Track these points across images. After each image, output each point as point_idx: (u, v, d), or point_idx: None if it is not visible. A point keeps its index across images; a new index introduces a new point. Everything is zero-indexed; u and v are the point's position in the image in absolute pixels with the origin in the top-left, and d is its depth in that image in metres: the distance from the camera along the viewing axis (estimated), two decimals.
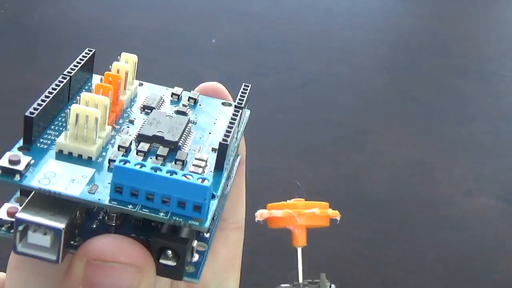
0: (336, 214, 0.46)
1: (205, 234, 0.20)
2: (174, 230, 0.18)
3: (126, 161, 0.17)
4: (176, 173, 0.17)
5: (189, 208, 0.17)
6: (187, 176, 0.17)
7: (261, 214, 0.43)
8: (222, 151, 0.19)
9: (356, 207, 0.83)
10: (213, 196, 0.18)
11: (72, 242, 0.18)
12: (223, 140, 0.19)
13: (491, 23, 1.27)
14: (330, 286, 0.45)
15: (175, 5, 1.16)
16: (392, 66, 1.10)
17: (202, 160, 0.20)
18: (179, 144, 0.20)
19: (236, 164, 0.24)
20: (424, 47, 1.15)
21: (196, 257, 0.19)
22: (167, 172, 0.17)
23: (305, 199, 0.44)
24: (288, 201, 0.44)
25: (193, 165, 0.19)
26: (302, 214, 0.43)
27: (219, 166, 0.20)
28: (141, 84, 0.24)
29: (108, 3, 1.14)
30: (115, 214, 0.19)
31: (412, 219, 0.82)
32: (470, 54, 1.15)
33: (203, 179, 0.17)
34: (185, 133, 0.21)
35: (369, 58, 1.10)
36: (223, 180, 0.19)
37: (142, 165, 0.17)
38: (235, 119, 0.21)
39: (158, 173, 0.17)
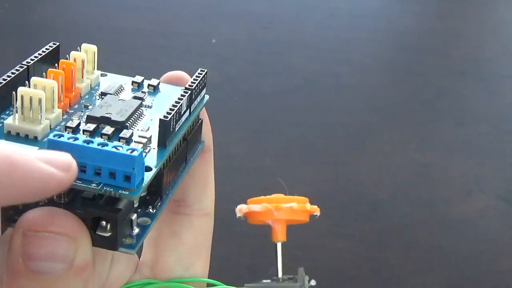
0: (314, 209, 0.45)
1: (150, 210, 0.20)
2: (110, 202, 0.19)
3: (60, 135, 0.18)
4: (107, 145, 0.18)
5: (119, 178, 0.18)
6: (117, 147, 0.18)
7: (240, 209, 0.43)
8: (162, 127, 0.20)
9: (356, 208, 0.83)
10: (148, 169, 0.19)
11: (16, 217, 0.19)
12: (164, 116, 0.20)
13: (491, 23, 1.27)
14: (309, 281, 0.44)
15: (174, 5, 1.16)
16: (392, 66, 1.10)
17: (144, 137, 0.20)
18: (127, 124, 0.20)
19: (198, 150, 0.24)
20: (424, 47, 1.15)
21: (136, 230, 0.20)
22: (98, 144, 0.18)
23: (285, 195, 0.44)
24: (267, 196, 0.44)
25: (135, 141, 0.20)
26: (280, 209, 0.43)
27: (161, 143, 0.20)
28: (104, 75, 0.25)
29: (108, 4, 1.14)
30: (63, 192, 0.19)
31: (412, 219, 0.82)
32: (470, 55, 1.15)
33: (133, 150, 0.18)
34: (135, 115, 0.21)
35: (369, 59, 1.10)
36: (165, 157, 0.20)
37: (76, 139, 0.18)
38: (181, 99, 0.22)
39: (90, 145, 0.18)
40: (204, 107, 0.25)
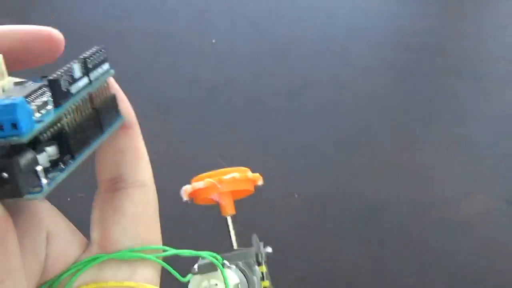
0: (257, 177, 0.46)
1: (61, 165, 0.22)
2: (7, 153, 0.20)
3: None
4: None
5: (7, 127, 0.20)
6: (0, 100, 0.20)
7: (185, 191, 0.43)
8: (52, 86, 0.22)
9: (356, 208, 0.83)
10: (40, 121, 0.21)
11: None
12: (52, 77, 0.22)
13: (490, 23, 1.27)
14: (265, 247, 0.44)
15: (174, 6, 1.16)
16: (392, 67, 1.10)
17: (41, 101, 0.22)
18: (23, 96, 0.22)
19: (116, 123, 0.26)
20: (424, 48, 1.15)
21: (44, 180, 0.21)
22: None
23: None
24: (207, 172, 0.44)
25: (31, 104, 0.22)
26: (222, 181, 0.43)
27: (55, 102, 0.22)
28: (20, 83, 0.26)
29: (108, 4, 1.14)
30: None
31: (412, 220, 0.82)
32: (470, 55, 1.15)
33: (14, 99, 0.20)
34: (34, 93, 0.23)
35: (369, 60, 1.10)
36: (59, 113, 0.22)
37: None
38: (72, 64, 0.24)
39: None
40: (120, 90, 0.27)
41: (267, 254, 0.45)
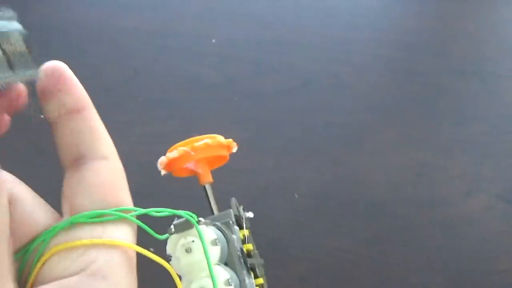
0: (230, 143, 0.46)
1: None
2: None
3: None
4: None
5: None
6: None
7: (161, 163, 0.43)
8: None
9: (356, 208, 0.83)
10: None
11: None
12: None
13: (490, 23, 1.27)
14: (245, 211, 0.44)
15: (175, 5, 1.16)
16: (392, 66, 1.10)
17: None
18: None
19: (29, 73, 0.30)
20: (424, 47, 1.15)
21: None
22: None
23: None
24: (181, 142, 0.44)
25: None
26: (195, 148, 0.43)
27: None
28: None
29: (108, 3, 1.14)
30: None
31: (412, 219, 0.82)
32: (470, 54, 1.15)
33: None
34: None
35: (369, 58, 1.10)
36: None
37: None
38: None
39: None
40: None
41: (248, 218, 0.45)
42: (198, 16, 1.14)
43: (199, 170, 0.44)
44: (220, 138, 0.45)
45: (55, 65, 0.30)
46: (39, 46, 1.05)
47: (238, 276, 0.36)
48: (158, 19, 1.12)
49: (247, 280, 0.36)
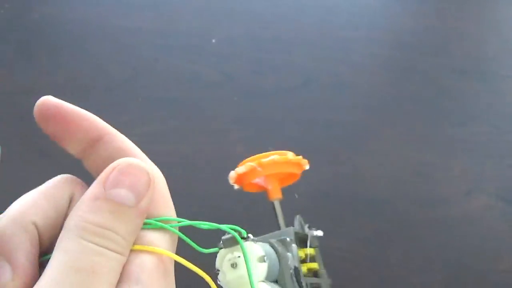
0: (299, 160, 0.46)
1: None
2: None
3: None
4: None
5: None
6: None
7: (230, 177, 0.43)
8: None
9: (356, 207, 0.83)
10: None
11: None
12: None
13: (491, 23, 1.27)
14: (311, 228, 0.44)
15: (175, 5, 1.16)
16: (392, 65, 1.10)
17: None
18: None
19: None
20: (424, 46, 1.15)
21: None
22: None
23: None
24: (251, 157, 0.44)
25: None
26: (262, 163, 0.43)
27: None
28: None
29: (108, 3, 1.14)
30: None
31: (412, 219, 0.82)
32: (470, 54, 1.15)
33: None
34: None
35: (369, 58, 1.10)
36: None
37: None
38: None
39: None
40: None
41: (316, 236, 0.45)
42: (198, 16, 1.14)
43: (268, 186, 0.44)
44: (289, 155, 0.45)
45: (42, 109, 0.29)
46: (40, 46, 1.05)
47: None
48: (159, 18, 1.12)
49: None
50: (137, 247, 0.27)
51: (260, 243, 0.35)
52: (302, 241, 0.43)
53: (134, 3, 1.15)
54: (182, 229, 0.29)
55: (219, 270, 0.33)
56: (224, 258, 0.34)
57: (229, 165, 0.89)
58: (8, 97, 0.89)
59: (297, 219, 0.44)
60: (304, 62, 1.07)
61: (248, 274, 0.31)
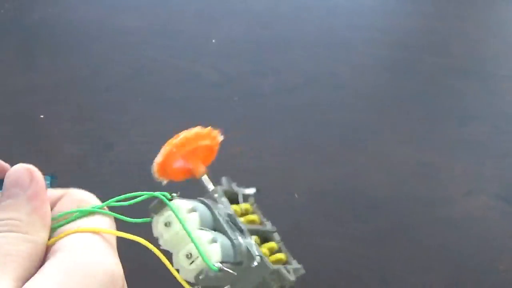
0: (210, 131, 0.46)
1: None
2: None
3: None
4: None
5: None
6: None
7: (154, 172, 0.43)
8: None
9: (356, 207, 0.83)
10: None
11: None
12: None
13: (491, 23, 1.27)
14: (240, 186, 0.45)
15: (175, 5, 1.16)
16: (392, 66, 1.10)
17: None
18: None
19: None
20: (424, 47, 1.15)
21: None
22: None
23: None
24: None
25: None
26: (175, 144, 0.43)
27: None
28: None
29: (108, 3, 1.14)
30: None
31: (412, 219, 0.82)
32: (470, 54, 1.15)
33: None
34: None
35: (369, 58, 1.10)
36: None
37: None
38: None
39: None
40: None
41: (248, 194, 0.45)
42: (198, 16, 1.14)
43: (190, 165, 0.43)
44: (198, 129, 0.44)
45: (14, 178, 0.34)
46: (40, 47, 1.05)
47: (228, 236, 0.36)
48: (159, 19, 1.12)
49: (241, 240, 0.36)
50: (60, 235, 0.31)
51: (187, 200, 0.36)
52: (234, 200, 0.44)
53: (134, 3, 1.15)
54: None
55: (158, 238, 0.34)
56: (158, 223, 0.34)
57: (229, 165, 0.89)
58: (8, 97, 0.89)
59: (224, 179, 0.45)
60: (304, 63, 1.07)
61: (181, 223, 0.33)
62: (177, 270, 0.34)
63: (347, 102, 1.00)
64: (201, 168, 0.44)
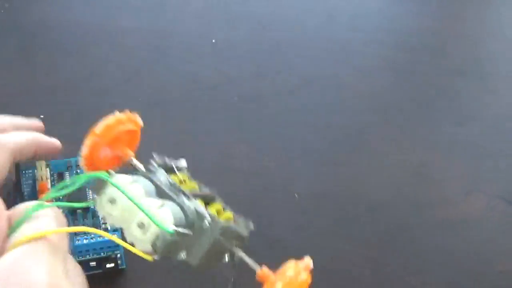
0: (129, 115, 0.46)
1: None
2: None
3: None
4: None
5: None
6: None
7: (81, 166, 0.43)
8: None
9: (356, 208, 0.83)
10: None
11: None
12: None
13: (491, 23, 1.27)
14: (172, 159, 0.45)
15: (174, 5, 1.16)
16: (392, 66, 1.10)
17: None
18: None
19: None
20: (424, 47, 1.15)
21: None
22: None
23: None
24: None
25: None
26: (97, 133, 0.43)
27: None
28: None
29: (108, 3, 1.14)
30: None
31: (412, 219, 0.82)
32: (470, 54, 1.15)
33: None
34: None
35: (370, 60, 1.10)
36: None
37: None
38: None
39: None
40: None
41: (180, 166, 0.45)
42: (198, 16, 1.14)
43: (118, 152, 0.43)
44: (117, 114, 0.45)
45: None
46: (39, 47, 1.05)
47: (174, 201, 0.36)
48: (158, 19, 1.12)
49: (187, 203, 0.36)
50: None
51: (126, 174, 0.36)
52: (169, 172, 0.44)
53: (134, 3, 1.15)
54: None
55: (105, 218, 0.34)
56: (102, 202, 0.34)
57: (229, 166, 0.89)
58: (8, 97, 0.89)
59: (156, 154, 0.45)
60: (304, 64, 1.07)
61: (127, 196, 0.32)
62: (133, 245, 0.33)
63: (348, 103, 1.00)
64: (129, 152, 0.44)
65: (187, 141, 0.89)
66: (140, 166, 0.42)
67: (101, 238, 0.56)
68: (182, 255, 0.35)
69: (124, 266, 0.64)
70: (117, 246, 0.62)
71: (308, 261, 0.42)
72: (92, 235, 0.57)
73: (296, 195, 0.83)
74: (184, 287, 0.69)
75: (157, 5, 1.16)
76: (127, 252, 0.69)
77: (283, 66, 1.05)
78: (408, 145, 0.94)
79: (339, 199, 0.84)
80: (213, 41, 1.08)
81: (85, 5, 1.13)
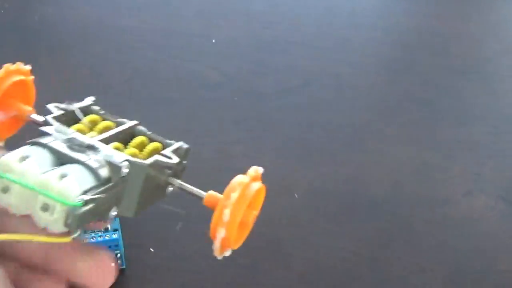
0: (17, 66, 0.42)
1: None
2: None
3: None
4: None
5: None
6: None
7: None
8: None
9: (356, 207, 0.83)
10: None
11: None
12: None
13: (491, 23, 1.27)
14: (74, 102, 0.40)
15: (175, 5, 1.16)
16: (392, 66, 1.10)
17: None
18: None
19: None
20: (424, 47, 1.15)
21: None
22: None
23: None
24: None
25: None
26: None
27: None
28: None
29: (108, 3, 1.14)
30: None
31: (412, 219, 0.82)
32: (470, 54, 1.15)
33: None
34: None
35: (369, 58, 1.10)
36: None
37: None
38: None
39: None
40: None
41: (79, 107, 0.40)
42: (198, 16, 1.14)
43: (13, 112, 0.40)
44: (4, 66, 0.41)
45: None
46: (40, 47, 1.05)
47: (78, 162, 0.31)
48: (158, 18, 1.12)
49: (95, 157, 0.32)
50: None
51: (13, 151, 0.30)
52: (77, 120, 0.39)
53: (134, 3, 1.15)
54: None
55: (7, 211, 0.30)
56: (6, 192, 0.30)
57: (229, 165, 0.89)
58: None
59: (51, 105, 0.40)
60: (304, 63, 1.07)
61: (14, 181, 0.28)
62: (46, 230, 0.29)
63: (347, 102, 1.00)
64: (26, 108, 0.40)
65: (187, 141, 0.89)
66: (40, 121, 0.38)
67: (101, 238, 0.56)
68: (113, 212, 0.31)
69: (124, 266, 0.64)
70: (117, 246, 0.62)
71: (253, 169, 0.37)
72: (92, 235, 0.56)
73: (296, 195, 0.83)
74: (184, 287, 0.70)
75: (157, 5, 1.16)
76: (127, 252, 0.69)
77: (283, 65, 1.05)
78: (408, 144, 0.94)
79: (339, 198, 0.84)
80: (213, 40, 1.09)
81: (85, 5, 1.13)
